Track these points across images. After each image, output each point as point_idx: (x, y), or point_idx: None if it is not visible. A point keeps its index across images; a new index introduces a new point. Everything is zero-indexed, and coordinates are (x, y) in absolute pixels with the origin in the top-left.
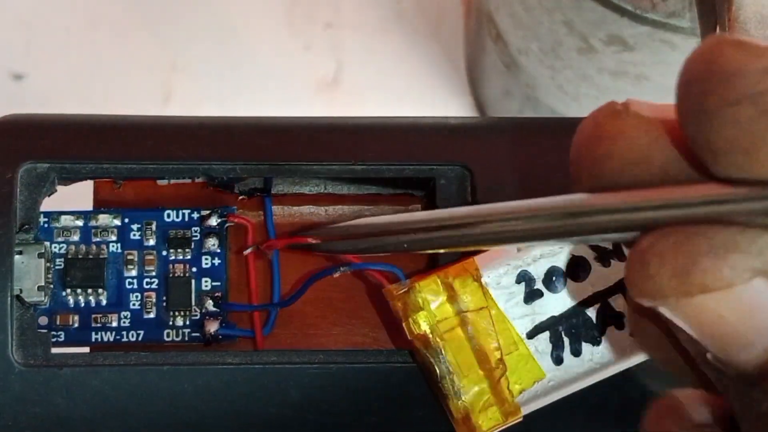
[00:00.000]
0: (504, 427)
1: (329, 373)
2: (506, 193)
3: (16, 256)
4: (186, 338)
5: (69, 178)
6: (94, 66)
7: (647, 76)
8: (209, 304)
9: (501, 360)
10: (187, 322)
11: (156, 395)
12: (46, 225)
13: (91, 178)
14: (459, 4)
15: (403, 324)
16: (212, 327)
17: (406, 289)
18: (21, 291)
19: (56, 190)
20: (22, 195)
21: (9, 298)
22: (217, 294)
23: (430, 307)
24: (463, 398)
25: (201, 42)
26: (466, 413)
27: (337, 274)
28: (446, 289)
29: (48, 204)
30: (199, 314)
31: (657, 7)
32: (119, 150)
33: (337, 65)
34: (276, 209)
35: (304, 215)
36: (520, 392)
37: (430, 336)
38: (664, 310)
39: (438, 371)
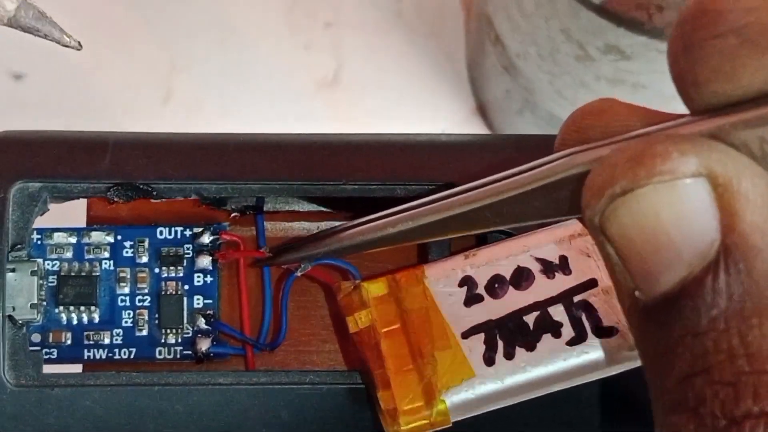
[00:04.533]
0: (428, 428)
1: (320, 394)
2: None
3: (9, 274)
4: (178, 356)
5: (61, 197)
6: (93, 66)
7: (644, 84)
8: (201, 322)
9: (433, 356)
10: (179, 340)
11: (147, 415)
12: (39, 242)
13: (83, 197)
14: (459, 4)
15: (347, 319)
16: (204, 345)
17: (353, 287)
18: (14, 309)
19: (48, 209)
20: (14, 214)
21: (1, 319)
22: (209, 312)
23: (373, 305)
24: (391, 390)
25: (201, 42)
26: (393, 405)
27: (299, 273)
28: (392, 290)
29: (41, 220)
30: (191, 332)
31: (653, 17)
32: (111, 169)
33: (337, 65)
34: (268, 225)
35: (295, 231)
36: (449, 388)
37: (369, 332)
38: (605, 224)
39: (372, 365)
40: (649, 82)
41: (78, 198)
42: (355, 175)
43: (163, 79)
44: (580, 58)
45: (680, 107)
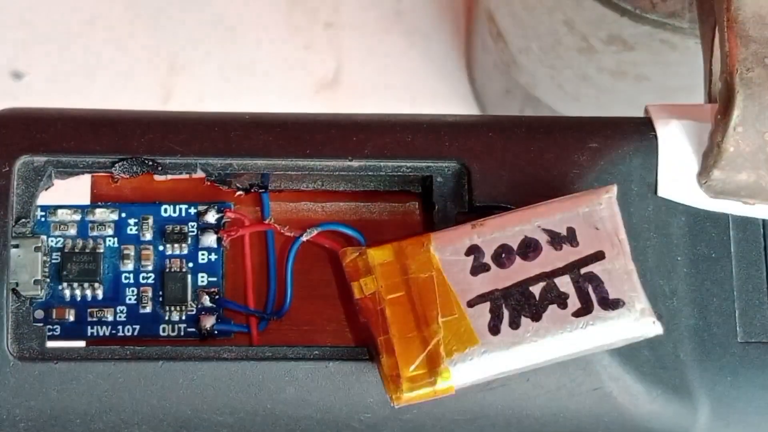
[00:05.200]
0: (430, 395)
1: (326, 370)
2: (502, 191)
3: (13, 250)
4: (182, 333)
5: (66, 172)
6: (94, 66)
7: (647, 75)
8: (205, 300)
9: (437, 323)
10: (183, 317)
11: (150, 390)
12: (43, 219)
13: (88, 172)
14: (459, 3)
15: (352, 284)
16: (208, 322)
17: (359, 253)
18: (17, 284)
19: (53, 184)
20: (19, 188)
21: (5, 292)
22: (213, 289)
23: (379, 272)
24: (395, 356)
25: (201, 42)
26: (396, 372)
27: (304, 238)
28: (398, 257)
29: (45, 198)
30: (195, 309)
31: (657, 7)
32: (117, 144)
33: (337, 65)
34: (273, 205)
35: (300, 211)
36: (452, 355)
37: (375, 298)
38: None
39: (376, 331)
40: (651, 73)
41: (83, 173)
42: (361, 152)
43: (163, 79)
44: (583, 50)
45: (682, 99)
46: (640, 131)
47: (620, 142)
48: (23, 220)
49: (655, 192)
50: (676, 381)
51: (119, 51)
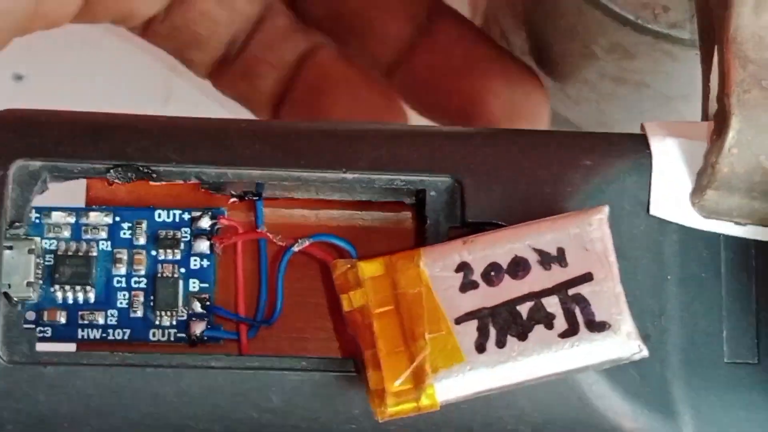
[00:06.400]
0: (414, 410)
1: (313, 380)
2: (495, 207)
3: (6, 252)
4: (172, 338)
5: (61, 177)
6: (94, 66)
7: (647, 83)
8: (196, 306)
9: (424, 339)
10: (174, 323)
11: (139, 396)
12: (37, 221)
13: (83, 177)
14: (463, 4)
15: (341, 297)
16: (198, 328)
17: (349, 266)
18: (9, 286)
19: (48, 188)
20: (13, 192)
21: None
22: (204, 296)
23: (368, 286)
24: (381, 370)
25: None
26: (382, 386)
27: (296, 248)
28: (388, 271)
29: (40, 199)
30: (185, 315)
31: (658, 17)
32: (112, 151)
33: None
34: (267, 212)
35: (294, 218)
36: (438, 371)
37: (363, 311)
38: None
39: (363, 344)
40: (652, 81)
41: (78, 178)
42: (355, 164)
43: (163, 79)
44: (585, 55)
45: (681, 107)
46: (634, 149)
47: (615, 160)
48: (17, 223)
49: (648, 211)
50: (662, 400)
51: (119, 51)
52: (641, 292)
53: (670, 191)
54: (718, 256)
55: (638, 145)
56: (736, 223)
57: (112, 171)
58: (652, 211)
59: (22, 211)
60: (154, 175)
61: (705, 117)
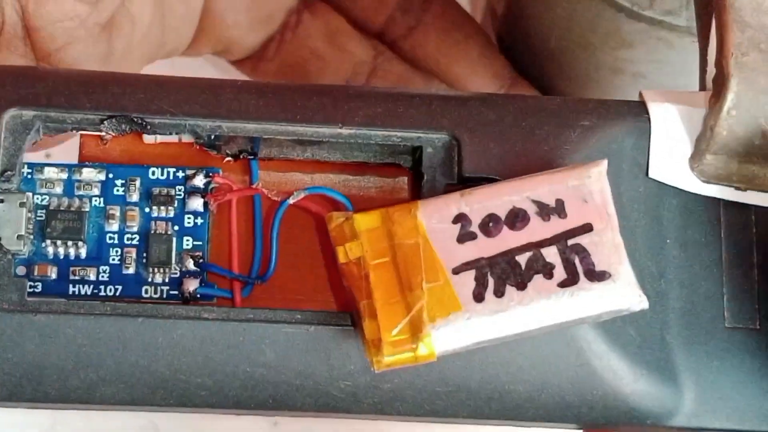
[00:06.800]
0: (411, 360)
1: (307, 334)
2: (492, 164)
3: None
4: (164, 296)
5: (54, 128)
6: (93, 67)
7: (644, 74)
8: (189, 263)
9: (421, 289)
10: (166, 280)
11: (130, 347)
12: (29, 176)
13: (76, 129)
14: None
15: (337, 249)
16: (191, 286)
17: (345, 218)
18: (0, 239)
19: (41, 138)
20: (6, 141)
21: None
22: (197, 253)
23: (365, 237)
24: (377, 320)
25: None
26: (378, 336)
27: (291, 201)
28: (384, 223)
29: (33, 157)
30: (178, 272)
31: (654, 4)
32: (106, 102)
33: None
34: (262, 174)
35: (289, 181)
36: (435, 320)
37: (359, 263)
38: None
39: (359, 295)
40: (648, 71)
41: (71, 129)
42: (352, 120)
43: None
44: (582, 46)
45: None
46: (633, 113)
47: (613, 122)
48: (8, 173)
49: (647, 174)
50: (661, 363)
51: None
52: (640, 254)
53: (670, 155)
54: (718, 220)
55: (637, 110)
56: (736, 188)
57: (105, 122)
58: (651, 174)
59: (14, 161)
60: (149, 127)
61: (703, 89)
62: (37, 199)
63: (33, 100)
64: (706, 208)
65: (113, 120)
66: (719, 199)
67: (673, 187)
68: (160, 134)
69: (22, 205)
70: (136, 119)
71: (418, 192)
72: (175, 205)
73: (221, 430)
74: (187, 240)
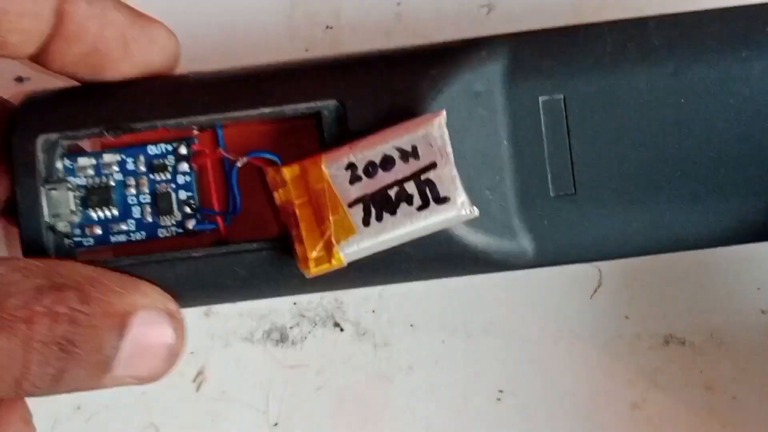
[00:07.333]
0: (330, 268)
1: (264, 256)
2: (370, 119)
3: (52, 192)
4: (174, 234)
5: (72, 145)
6: None
7: None
8: (186, 209)
9: (329, 220)
10: (173, 222)
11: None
12: (71, 166)
13: (86, 138)
14: (456, 4)
15: (274, 193)
16: (190, 224)
17: (276, 171)
18: (59, 215)
19: (66, 151)
20: (42, 157)
21: (43, 230)
22: (191, 201)
23: (290, 184)
24: (304, 244)
25: (200, 45)
26: (305, 255)
27: (240, 164)
28: (302, 172)
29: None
30: (180, 216)
31: None
32: (103, 119)
33: None
34: (226, 133)
35: (245, 136)
36: (340, 242)
37: (289, 202)
38: None
39: (291, 227)
40: None
41: (83, 139)
42: (270, 101)
43: None
44: None
45: None
46: (469, 51)
47: (454, 67)
48: (50, 177)
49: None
50: (507, 230)
51: None
52: (486, 152)
53: None
54: (539, 118)
55: (473, 47)
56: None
57: (105, 132)
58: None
59: (51, 170)
60: (135, 130)
61: None
62: (78, 180)
63: (54, 126)
64: (528, 112)
65: (110, 131)
66: (539, 102)
67: (503, 103)
68: (141, 130)
69: (69, 189)
70: (124, 127)
71: (322, 139)
72: (170, 170)
73: (221, 430)
74: (182, 193)
